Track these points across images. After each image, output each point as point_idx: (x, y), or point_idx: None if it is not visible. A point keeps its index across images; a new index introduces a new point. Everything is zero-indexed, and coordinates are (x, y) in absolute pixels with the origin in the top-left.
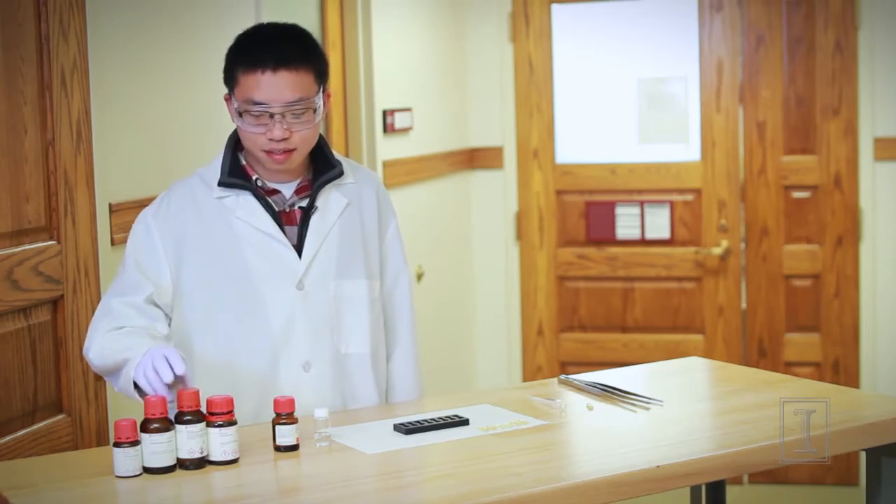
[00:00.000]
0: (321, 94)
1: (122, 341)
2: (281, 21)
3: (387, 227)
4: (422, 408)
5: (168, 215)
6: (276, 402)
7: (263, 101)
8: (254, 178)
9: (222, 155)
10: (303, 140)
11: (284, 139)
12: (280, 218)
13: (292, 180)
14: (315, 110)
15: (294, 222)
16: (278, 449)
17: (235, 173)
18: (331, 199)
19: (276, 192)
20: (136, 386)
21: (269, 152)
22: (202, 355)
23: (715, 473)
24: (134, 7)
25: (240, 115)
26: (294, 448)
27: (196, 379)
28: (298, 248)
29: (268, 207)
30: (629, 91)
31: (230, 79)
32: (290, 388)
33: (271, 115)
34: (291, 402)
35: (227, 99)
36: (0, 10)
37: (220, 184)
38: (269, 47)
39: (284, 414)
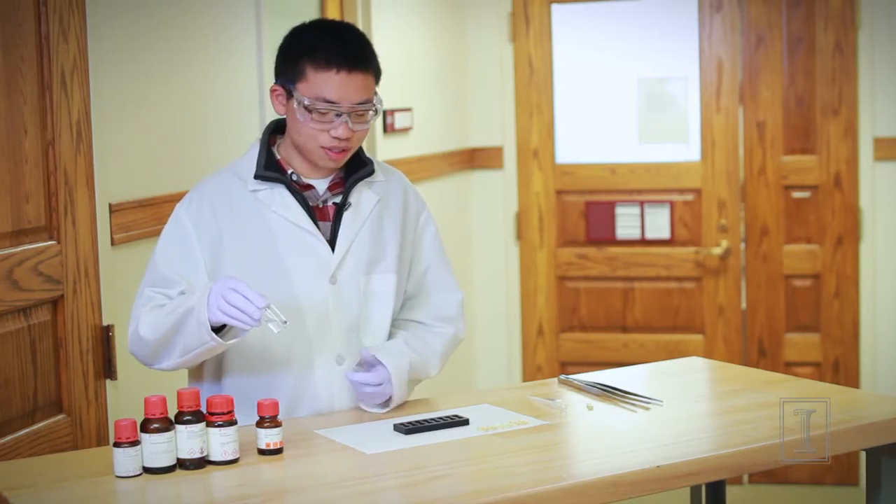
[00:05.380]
0: (378, 95)
1: (171, 304)
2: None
3: (417, 220)
4: (422, 408)
5: (202, 211)
6: (259, 404)
7: (335, 99)
8: (289, 172)
9: (257, 149)
10: (358, 140)
11: (346, 139)
12: (314, 213)
13: (326, 176)
14: (375, 112)
15: (328, 218)
16: (262, 452)
17: (271, 167)
18: (363, 196)
19: (310, 187)
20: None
21: (327, 149)
22: (238, 348)
23: (715, 473)
24: (134, 7)
25: (308, 111)
26: (278, 452)
27: (231, 372)
28: (331, 244)
29: (302, 202)
30: (629, 91)
31: (293, 73)
32: (325, 381)
33: (337, 114)
34: (275, 404)
35: (275, 91)
36: (0, 10)
37: (256, 177)
38: (344, 46)
39: (268, 417)
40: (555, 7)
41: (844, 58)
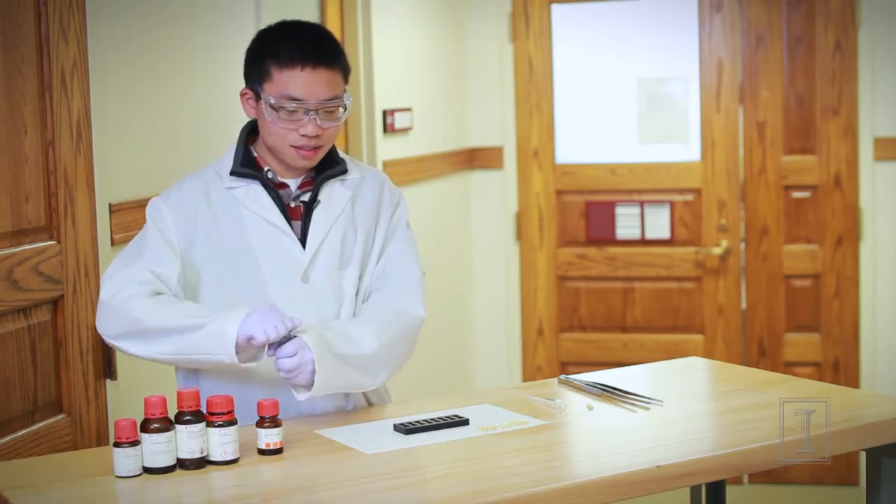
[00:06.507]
0: (346, 92)
1: (188, 306)
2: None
3: (392, 214)
4: (422, 408)
5: (180, 202)
6: (259, 404)
7: (301, 97)
8: (265, 169)
9: (234, 147)
10: (329, 137)
11: (316, 136)
12: (288, 211)
13: (299, 176)
14: (344, 109)
15: (298, 216)
16: (262, 452)
17: (247, 164)
18: (334, 193)
19: (284, 185)
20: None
21: (297, 148)
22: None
23: (715, 473)
24: (134, 7)
25: (275, 109)
26: (278, 452)
27: (205, 371)
28: (303, 242)
29: (276, 200)
30: (629, 91)
31: (259, 74)
32: None
33: (305, 112)
34: (275, 404)
35: (245, 94)
36: (0, 9)
37: (232, 173)
38: (307, 44)
39: (268, 417)
40: (555, 7)
41: (844, 58)
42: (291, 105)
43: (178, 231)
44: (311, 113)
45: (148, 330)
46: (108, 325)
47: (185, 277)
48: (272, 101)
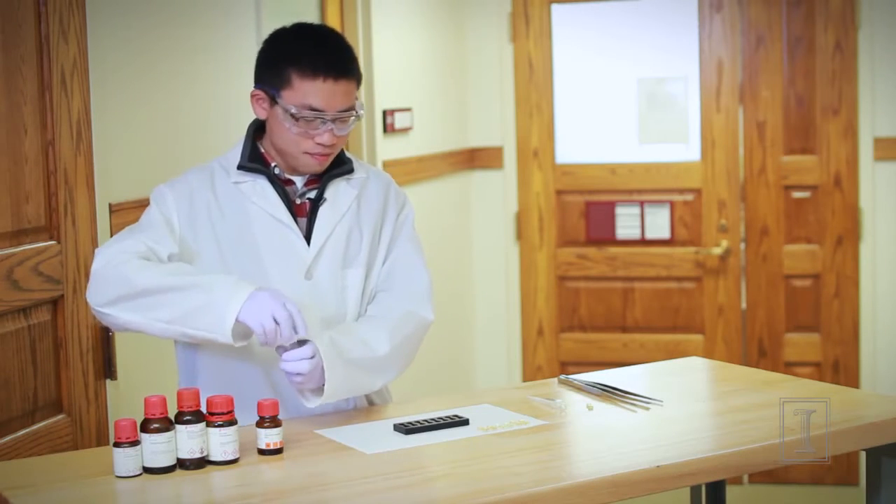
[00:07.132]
0: (359, 100)
1: (186, 267)
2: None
3: (397, 216)
4: (422, 408)
5: (185, 189)
6: (259, 405)
7: (321, 107)
8: (272, 165)
9: (242, 142)
10: (340, 144)
11: (331, 145)
12: (293, 208)
13: (305, 174)
14: (357, 117)
15: (304, 213)
16: (262, 452)
17: (255, 159)
18: (340, 191)
19: (291, 182)
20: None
21: (311, 154)
22: (211, 347)
23: (715, 473)
24: (134, 7)
25: (294, 118)
26: (278, 452)
27: (204, 368)
28: (308, 239)
29: (283, 196)
30: (629, 91)
31: (278, 79)
32: None
33: (323, 122)
34: (275, 404)
35: (257, 96)
36: (0, 9)
37: (240, 167)
38: (329, 55)
39: (268, 417)
40: (555, 7)
41: (844, 58)
42: (311, 115)
43: (179, 214)
44: (329, 123)
45: (140, 292)
46: (98, 293)
47: (180, 259)
48: (293, 110)
